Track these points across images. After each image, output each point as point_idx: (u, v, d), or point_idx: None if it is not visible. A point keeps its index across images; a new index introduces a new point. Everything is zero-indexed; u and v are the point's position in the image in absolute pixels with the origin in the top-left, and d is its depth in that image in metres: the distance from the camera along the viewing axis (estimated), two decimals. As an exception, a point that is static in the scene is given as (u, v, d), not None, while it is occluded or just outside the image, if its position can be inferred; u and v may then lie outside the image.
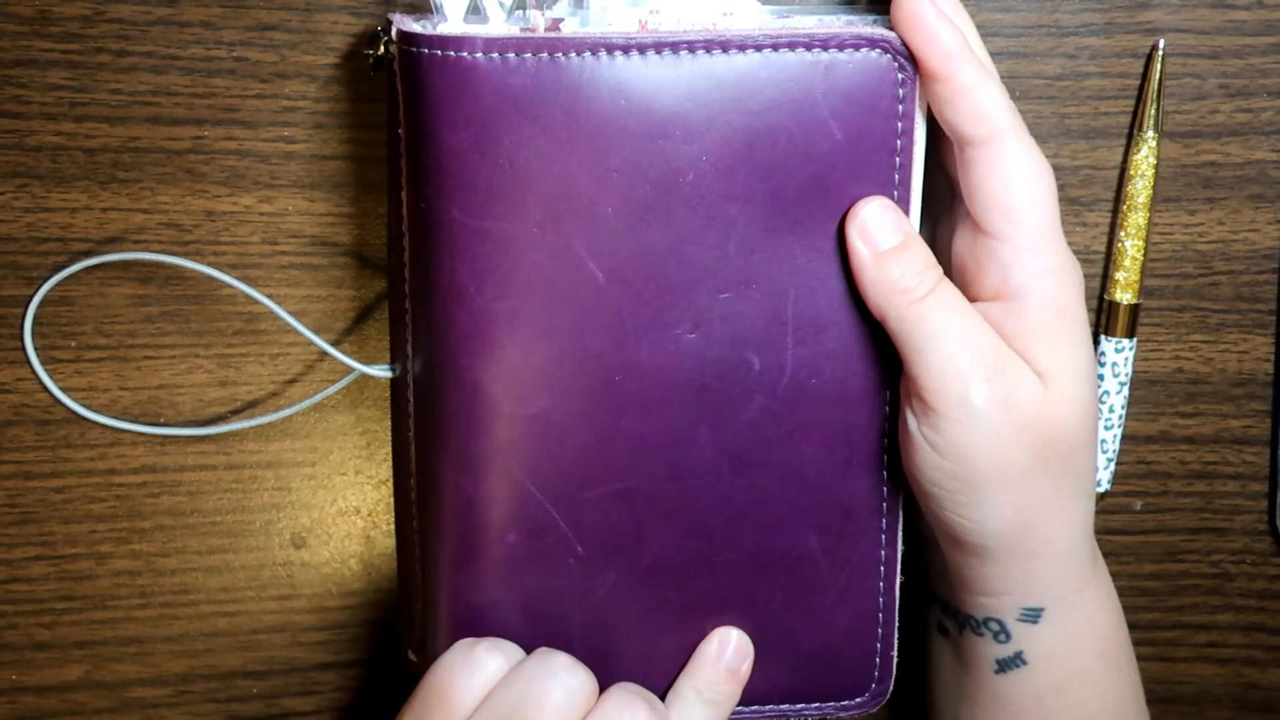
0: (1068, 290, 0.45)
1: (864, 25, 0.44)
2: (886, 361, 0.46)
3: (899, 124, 0.44)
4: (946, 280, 0.45)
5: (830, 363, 0.45)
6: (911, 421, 0.45)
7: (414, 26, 0.43)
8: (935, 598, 0.51)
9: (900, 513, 0.48)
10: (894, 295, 0.44)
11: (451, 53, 0.42)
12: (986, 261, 0.45)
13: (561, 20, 0.44)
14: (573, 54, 0.42)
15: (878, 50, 0.43)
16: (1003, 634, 0.48)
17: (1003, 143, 0.43)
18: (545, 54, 0.42)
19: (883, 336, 0.45)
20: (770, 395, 0.46)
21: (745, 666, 0.48)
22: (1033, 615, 0.47)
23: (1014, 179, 0.44)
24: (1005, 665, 0.48)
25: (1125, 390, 0.54)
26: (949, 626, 0.50)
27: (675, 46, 0.42)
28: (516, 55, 0.42)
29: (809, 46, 0.43)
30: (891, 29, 0.44)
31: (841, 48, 0.43)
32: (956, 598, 0.49)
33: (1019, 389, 0.44)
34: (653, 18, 0.44)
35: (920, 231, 0.46)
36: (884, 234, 0.44)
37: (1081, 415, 0.45)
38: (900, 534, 0.48)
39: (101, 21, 0.50)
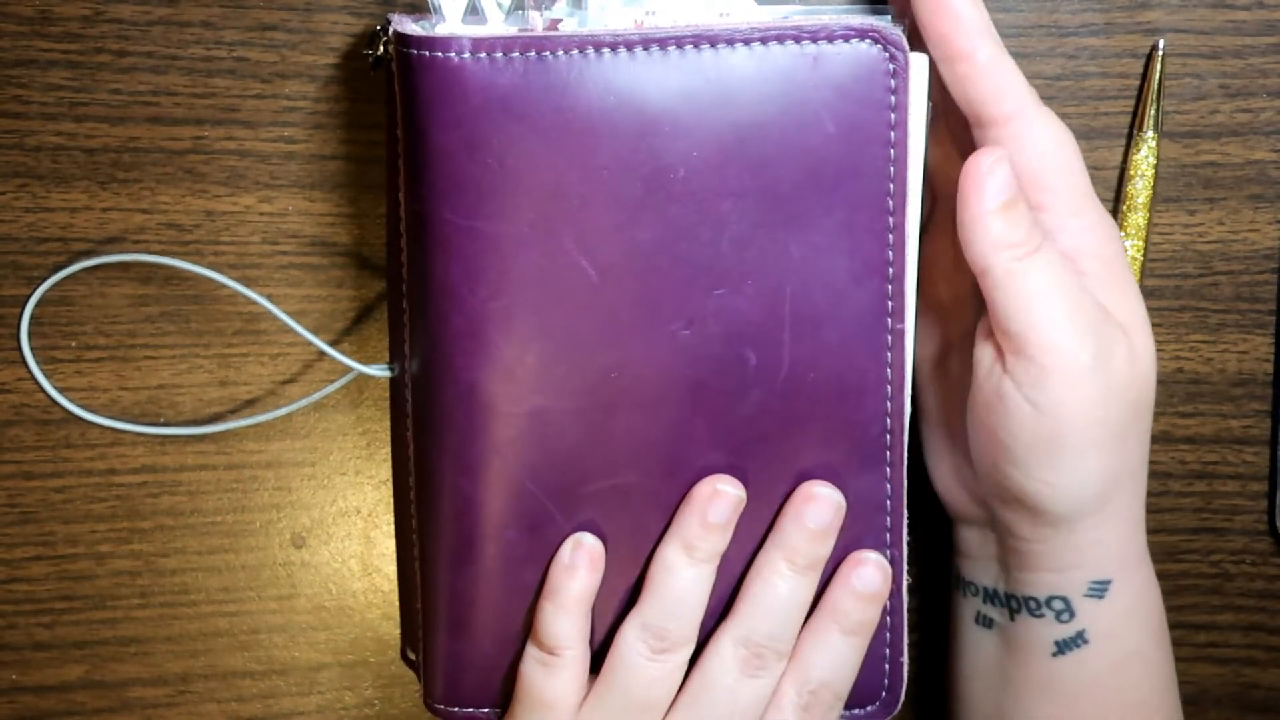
0: (1113, 243, 0.46)
1: (853, 16, 0.44)
2: (885, 356, 0.46)
3: (892, 115, 0.44)
4: (1049, 241, 0.45)
5: (828, 357, 0.45)
6: (1008, 384, 0.45)
7: (412, 27, 0.43)
8: (974, 588, 0.51)
9: (905, 512, 0.48)
10: (1002, 249, 0.44)
11: (440, 54, 0.42)
12: None
13: (560, 20, 0.44)
14: (560, 52, 0.42)
15: (868, 41, 0.43)
16: (1066, 612, 0.48)
17: (1027, 116, 0.44)
18: (533, 53, 0.42)
19: (881, 331, 0.45)
20: (767, 391, 0.45)
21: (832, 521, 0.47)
22: (1100, 589, 0.47)
23: (1045, 150, 0.44)
24: (1065, 646, 0.48)
25: (1125, 390, 0.54)
26: (993, 615, 0.50)
27: (663, 43, 0.42)
28: (504, 55, 0.42)
29: (797, 39, 0.43)
30: (885, 21, 0.44)
31: (831, 39, 0.43)
32: (1012, 580, 0.49)
33: (1118, 349, 0.45)
34: (649, 19, 0.44)
35: (925, 221, 0.46)
36: (996, 189, 0.43)
37: (1153, 368, 0.46)
38: (905, 535, 0.48)
39: (101, 21, 0.50)
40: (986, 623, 0.50)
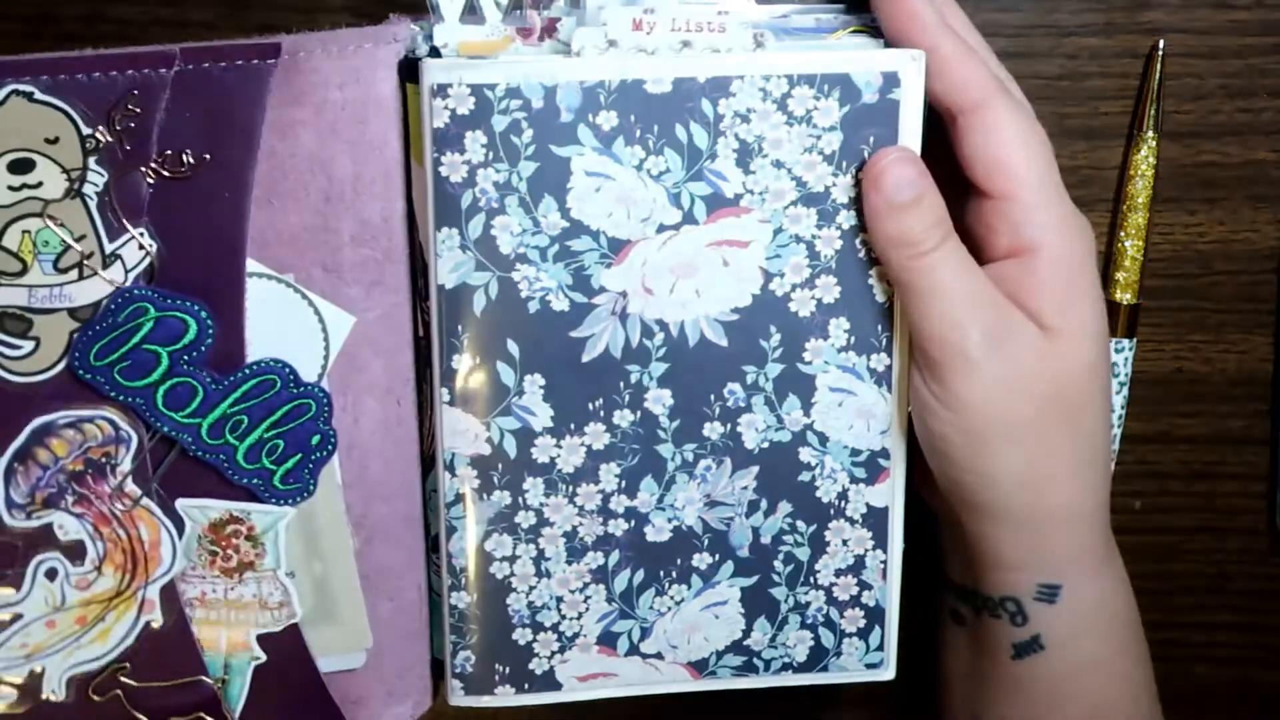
0: (1078, 244, 0.45)
1: (846, 32, 0.45)
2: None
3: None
4: (955, 238, 0.45)
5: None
6: (916, 377, 0.45)
7: (413, 28, 0.44)
8: (950, 585, 0.51)
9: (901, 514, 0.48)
10: (900, 247, 0.44)
11: None
12: (996, 223, 0.45)
13: (558, 20, 0.44)
14: None
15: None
16: (1020, 615, 0.48)
17: (992, 106, 0.44)
18: None
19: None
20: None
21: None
22: (1050, 593, 0.47)
23: (1009, 138, 0.44)
24: (1022, 650, 0.48)
25: (1125, 390, 0.54)
26: (964, 612, 0.50)
27: None
28: None
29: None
30: (875, 25, 0.44)
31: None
32: (973, 577, 0.49)
33: (1020, 341, 0.44)
34: (647, 17, 0.44)
35: None
36: (899, 186, 0.44)
37: (1088, 371, 0.46)
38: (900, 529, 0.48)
39: (101, 21, 0.50)
40: (959, 619, 0.51)
